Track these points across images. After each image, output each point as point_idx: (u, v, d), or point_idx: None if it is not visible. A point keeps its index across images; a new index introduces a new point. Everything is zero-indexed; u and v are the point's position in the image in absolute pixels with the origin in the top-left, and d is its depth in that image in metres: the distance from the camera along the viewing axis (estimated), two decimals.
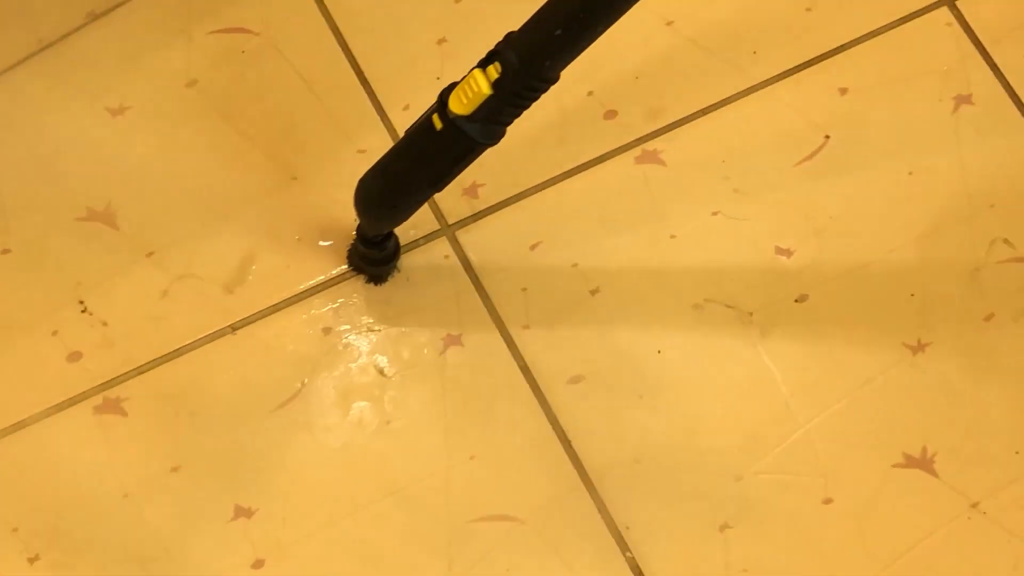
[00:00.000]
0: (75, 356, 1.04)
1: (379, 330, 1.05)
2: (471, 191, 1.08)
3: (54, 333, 1.04)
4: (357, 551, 1.03)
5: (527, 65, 0.79)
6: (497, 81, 0.80)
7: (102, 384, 1.03)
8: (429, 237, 1.08)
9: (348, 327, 1.05)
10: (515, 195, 1.09)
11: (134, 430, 1.02)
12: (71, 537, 1.01)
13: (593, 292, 1.06)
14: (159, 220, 1.08)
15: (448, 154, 0.87)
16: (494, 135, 0.84)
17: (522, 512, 1.02)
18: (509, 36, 0.80)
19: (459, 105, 0.82)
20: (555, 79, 0.80)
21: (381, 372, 1.04)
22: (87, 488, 1.02)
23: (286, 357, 1.04)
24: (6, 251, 1.06)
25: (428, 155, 0.88)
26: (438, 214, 1.08)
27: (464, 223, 1.08)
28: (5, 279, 1.04)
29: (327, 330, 1.05)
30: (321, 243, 1.07)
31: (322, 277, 1.09)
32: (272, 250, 1.04)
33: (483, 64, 0.80)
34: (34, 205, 1.10)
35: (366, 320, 1.05)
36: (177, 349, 1.04)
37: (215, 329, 1.05)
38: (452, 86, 0.82)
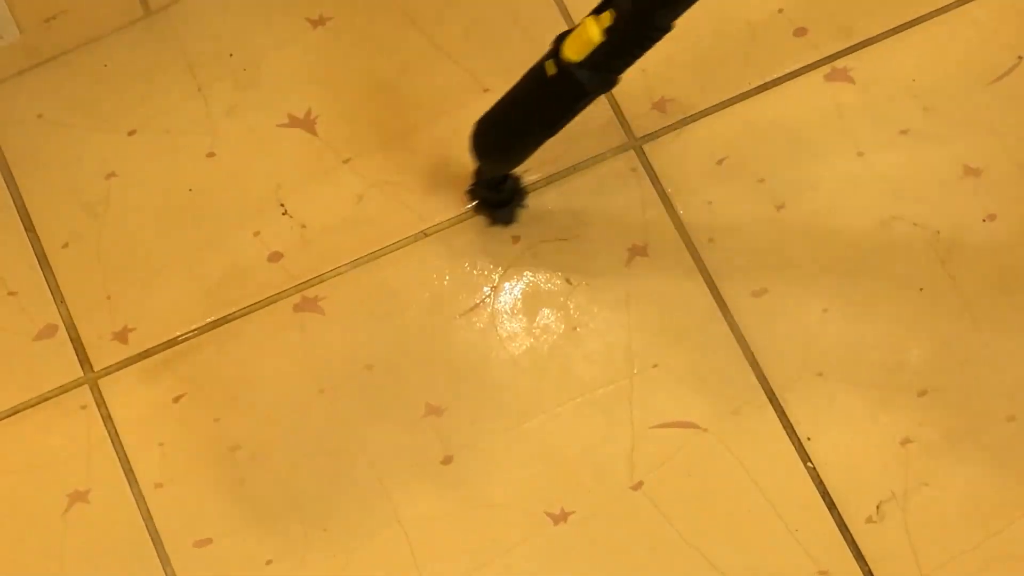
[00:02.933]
0: (276, 256, 1.06)
1: (566, 239, 1.07)
2: (660, 105, 1.09)
3: (256, 234, 1.07)
4: (542, 452, 1.05)
5: (639, 13, 0.77)
6: (609, 28, 0.78)
7: (301, 284, 1.06)
8: (617, 150, 1.09)
9: (536, 235, 1.06)
10: (703, 110, 1.10)
11: (331, 329, 1.05)
12: (268, 429, 1.03)
13: (779, 208, 1.06)
14: (356, 128, 1.12)
15: (559, 100, 0.87)
16: (606, 83, 0.83)
17: (704, 420, 1.03)
18: None
19: (572, 51, 0.81)
20: (668, 28, 0.78)
21: (567, 280, 1.06)
22: (284, 383, 1.04)
23: (476, 263, 1.06)
24: (211, 155, 1.09)
25: (540, 100, 0.88)
26: (626, 128, 1.09)
27: (652, 137, 1.09)
28: (211, 182, 1.08)
29: (516, 238, 1.06)
30: None
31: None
32: (467, 158, 1.06)
33: (597, 11, 0.79)
34: (238, 111, 1.13)
35: (554, 229, 1.06)
36: (372, 252, 1.07)
37: (408, 234, 1.07)
38: (567, 32, 0.81)
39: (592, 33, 0.78)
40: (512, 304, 1.04)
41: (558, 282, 1.05)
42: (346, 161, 1.07)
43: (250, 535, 1.00)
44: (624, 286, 1.05)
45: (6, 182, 1.07)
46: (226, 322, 1.04)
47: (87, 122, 1.09)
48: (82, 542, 1.00)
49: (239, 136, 1.08)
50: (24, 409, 1.02)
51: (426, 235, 1.06)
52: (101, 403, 1.02)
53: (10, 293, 1.04)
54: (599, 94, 0.84)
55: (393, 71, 1.11)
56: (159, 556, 0.99)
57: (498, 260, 1.05)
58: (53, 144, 1.08)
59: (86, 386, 1.03)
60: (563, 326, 1.04)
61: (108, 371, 1.03)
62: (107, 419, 1.01)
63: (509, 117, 0.92)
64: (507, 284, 1.05)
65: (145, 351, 1.04)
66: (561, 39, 0.81)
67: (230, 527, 1.00)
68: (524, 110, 0.90)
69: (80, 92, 1.10)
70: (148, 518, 0.99)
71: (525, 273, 1.05)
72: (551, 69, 0.82)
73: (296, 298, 1.04)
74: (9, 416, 1.02)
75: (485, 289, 1.05)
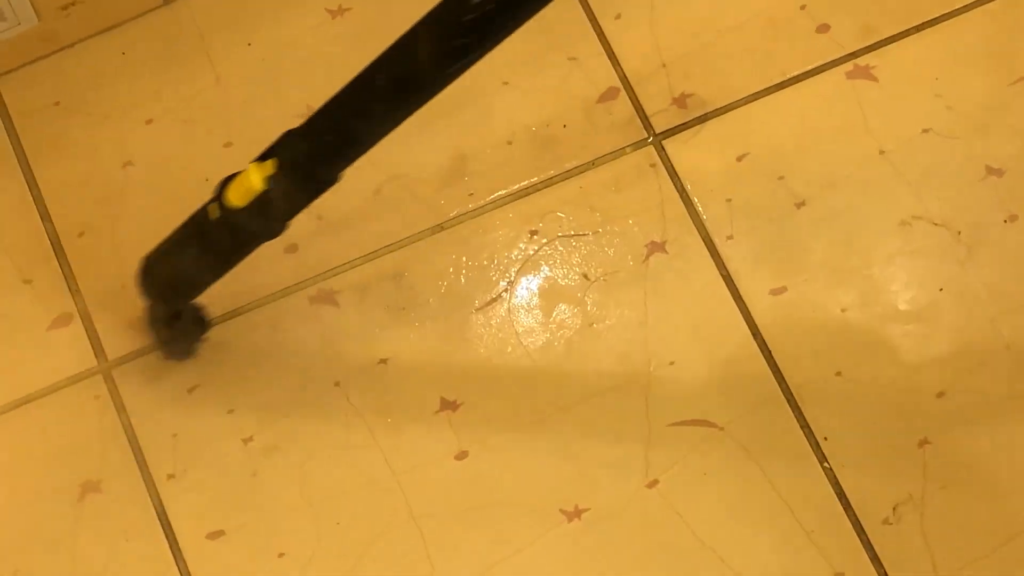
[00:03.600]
0: (292, 248, 1.06)
1: (585, 235, 1.06)
2: (680, 101, 1.08)
3: None
4: (557, 449, 1.05)
5: (299, 167, 0.77)
6: (271, 178, 0.77)
7: (317, 276, 1.06)
8: (636, 145, 1.08)
9: (554, 230, 1.05)
10: (724, 106, 1.09)
11: (346, 322, 1.07)
12: (282, 421, 1.03)
13: (799, 205, 1.06)
14: None
15: (225, 243, 0.85)
16: (271, 230, 0.82)
17: (721, 419, 1.02)
18: (288, 134, 0.78)
19: (235, 197, 0.79)
20: (333, 181, 0.78)
21: (585, 276, 1.05)
22: (299, 375, 1.04)
23: (492, 257, 1.06)
24: (228, 144, 1.09)
25: (206, 243, 0.86)
26: (646, 123, 1.08)
27: (671, 133, 1.08)
28: (228, 172, 1.07)
29: (533, 233, 1.06)
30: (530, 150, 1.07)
31: (535, 178, 1.10)
32: (482, 153, 1.05)
33: (260, 159, 0.78)
34: (255, 101, 1.13)
35: (572, 224, 1.06)
36: (387, 245, 1.06)
37: (425, 227, 1.06)
38: (232, 176, 0.80)
39: (254, 181, 0.77)
40: (529, 299, 1.04)
41: (575, 277, 1.04)
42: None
43: (262, 528, 1.00)
44: (642, 282, 1.04)
45: (23, 170, 1.07)
46: (241, 313, 1.04)
47: (104, 110, 1.08)
48: (94, 532, 0.99)
49: (255, 125, 1.07)
50: (38, 398, 1.02)
51: (443, 229, 1.05)
52: (115, 393, 1.01)
53: (25, 281, 1.04)
54: (266, 240, 0.82)
55: None
56: (171, 548, 0.99)
57: (515, 254, 1.04)
58: (70, 132, 1.08)
59: (100, 376, 1.02)
60: (579, 322, 1.03)
61: (123, 361, 1.02)
62: (120, 409, 1.01)
63: (177, 259, 0.90)
64: (524, 279, 1.04)
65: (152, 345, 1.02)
66: (226, 183, 0.79)
67: (242, 520, 0.99)
68: (191, 252, 0.88)
69: (98, 80, 1.09)
70: (161, 509, 0.99)
71: (543, 268, 1.04)
72: (214, 213, 0.81)
73: (312, 290, 1.04)
74: (23, 404, 1.01)
75: (502, 283, 1.04)
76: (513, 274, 1.04)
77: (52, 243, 1.06)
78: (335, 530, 0.99)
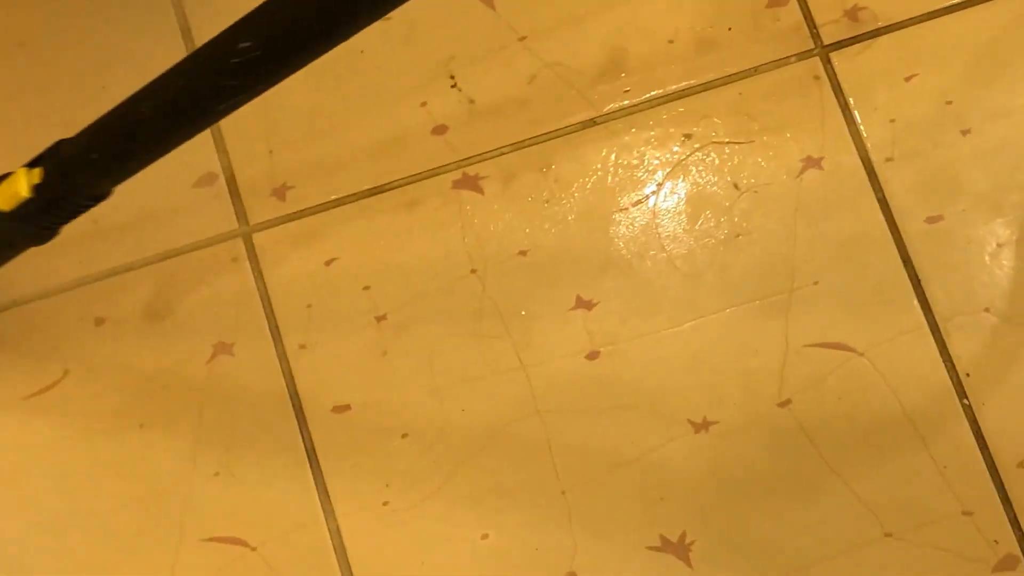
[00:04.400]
0: (440, 129, 1.04)
1: (739, 143, 1.03)
2: (851, 13, 1.05)
3: (423, 104, 1.04)
4: (690, 358, 1.03)
5: (66, 179, 0.75)
6: (38, 186, 0.75)
7: (463, 160, 1.04)
8: (802, 55, 1.04)
9: (708, 135, 1.02)
10: (896, 23, 1.04)
11: (488, 209, 1.03)
12: (416, 303, 1.01)
13: (964, 132, 1.02)
14: (535, 5, 1.08)
15: None
16: (38, 236, 0.79)
17: (861, 344, 1.00)
18: (59, 144, 0.75)
19: (2, 200, 0.77)
20: (104, 195, 0.76)
21: (735, 186, 1.02)
22: (437, 258, 1.02)
23: (643, 158, 1.03)
24: (387, 17, 1.06)
25: None
26: (814, 33, 1.04)
27: (840, 46, 1.04)
28: (383, 45, 1.05)
29: (687, 136, 1.03)
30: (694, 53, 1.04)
31: (694, 81, 1.08)
32: (642, 49, 1.02)
33: (29, 165, 0.75)
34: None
35: (727, 132, 1.02)
36: (538, 135, 1.04)
37: (577, 120, 1.04)
38: (3, 176, 0.76)
39: (20, 187, 0.75)
40: (675, 204, 1.01)
41: (725, 186, 1.01)
42: (522, 39, 1.04)
43: (388, 407, 0.99)
44: (793, 198, 1.01)
45: (179, 24, 1.04)
46: (384, 191, 1.02)
47: None
48: (222, 393, 0.99)
49: (417, 2, 1.04)
50: (177, 255, 1.01)
51: (595, 123, 1.03)
52: (253, 257, 1.00)
53: None
54: (34, 245, 0.80)
55: None
56: (296, 417, 0.98)
57: (666, 157, 1.02)
58: None
59: (240, 239, 1.01)
60: (725, 232, 1.01)
61: (263, 227, 1.01)
62: (258, 274, 1.00)
63: None
64: (672, 182, 1.02)
65: (301, 210, 1.02)
66: None
67: (369, 397, 0.98)
68: None
69: None
70: (290, 378, 0.98)
71: (692, 173, 1.02)
72: None
73: (457, 174, 1.02)
74: (164, 259, 1.01)
75: (650, 185, 1.01)
76: (662, 176, 1.02)
77: None
78: (459, 417, 0.98)
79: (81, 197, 0.77)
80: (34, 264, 1.00)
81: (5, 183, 0.78)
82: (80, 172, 0.76)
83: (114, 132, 0.74)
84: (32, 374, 0.99)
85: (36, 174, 0.76)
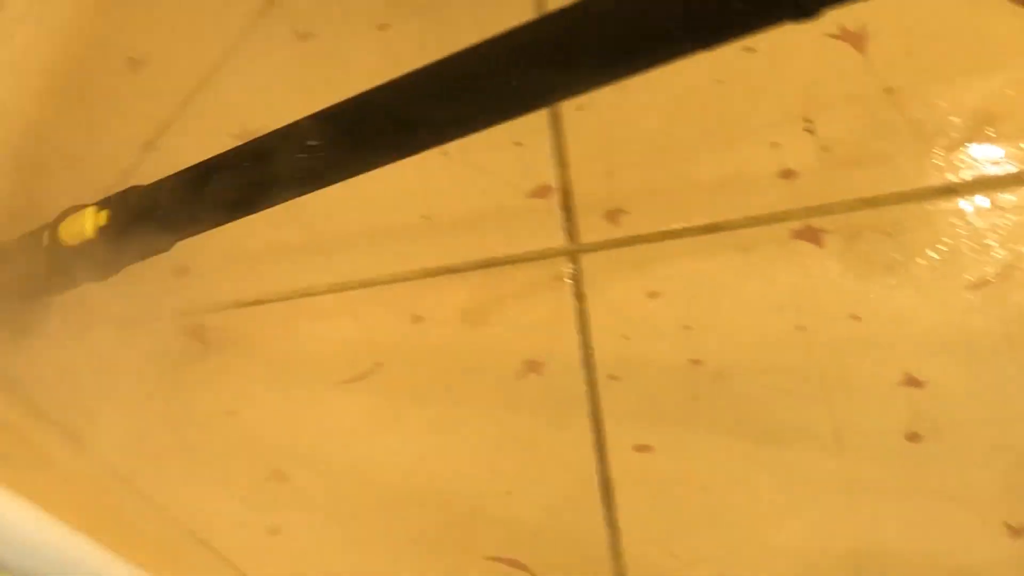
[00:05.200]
0: (788, 173, 0.99)
1: None
2: None
3: (773, 145, 0.99)
4: (1009, 450, 0.96)
5: (130, 228, 0.74)
6: (103, 229, 0.74)
7: (808, 209, 0.98)
8: None
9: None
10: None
11: (827, 265, 0.99)
12: (736, 352, 1.02)
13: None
14: (912, 54, 1.02)
15: (51, 273, 0.81)
16: (96, 276, 0.78)
17: None
18: (130, 190, 0.73)
19: (67, 234, 0.76)
20: (162, 250, 0.75)
21: None
22: (764, 309, 1.00)
23: (997, 236, 0.98)
24: (750, 49, 1.01)
25: (37, 266, 0.81)
26: None
27: None
28: (742, 77, 1.00)
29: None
30: None
31: None
32: (1010, 115, 0.94)
33: (99, 205, 0.74)
34: None
35: None
36: (890, 194, 0.98)
37: (932, 184, 0.97)
38: (71, 210, 0.75)
39: (87, 226, 0.75)
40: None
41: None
42: (888, 90, 0.97)
43: (690, 454, 0.95)
44: None
45: None
46: (720, 229, 0.98)
47: None
48: (525, 411, 0.96)
49: (783, 36, 0.98)
50: (502, 264, 0.98)
51: (952, 192, 0.95)
52: (578, 278, 0.97)
53: (516, 143, 0.99)
54: (91, 281, 0.79)
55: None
56: (596, 447, 0.96)
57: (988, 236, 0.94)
58: None
59: (567, 257, 0.97)
60: None
61: (592, 248, 0.98)
62: (580, 296, 0.97)
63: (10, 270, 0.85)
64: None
65: (633, 237, 0.99)
66: (63, 216, 0.76)
67: (674, 440, 0.95)
68: (15, 268, 0.83)
69: None
70: (595, 407, 0.95)
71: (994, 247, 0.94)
72: (45, 240, 0.77)
73: (798, 224, 0.97)
74: (485, 267, 0.98)
75: (1002, 266, 0.94)
76: (1018, 260, 0.94)
77: (551, 110, 1.01)
78: (765, 480, 0.95)
79: (142, 247, 0.78)
80: (353, 254, 0.99)
81: (72, 218, 0.78)
82: (144, 224, 0.76)
83: (186, 191, 0.75)
84: (348, 362, 0.98)
85: (103, 216, 0.77)
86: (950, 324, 0.95)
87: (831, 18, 0.99)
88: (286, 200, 0.71)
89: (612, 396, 0.96)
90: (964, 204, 0.97)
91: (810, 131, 0.98)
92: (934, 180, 0.98)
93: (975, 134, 0.97)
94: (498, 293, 0.97)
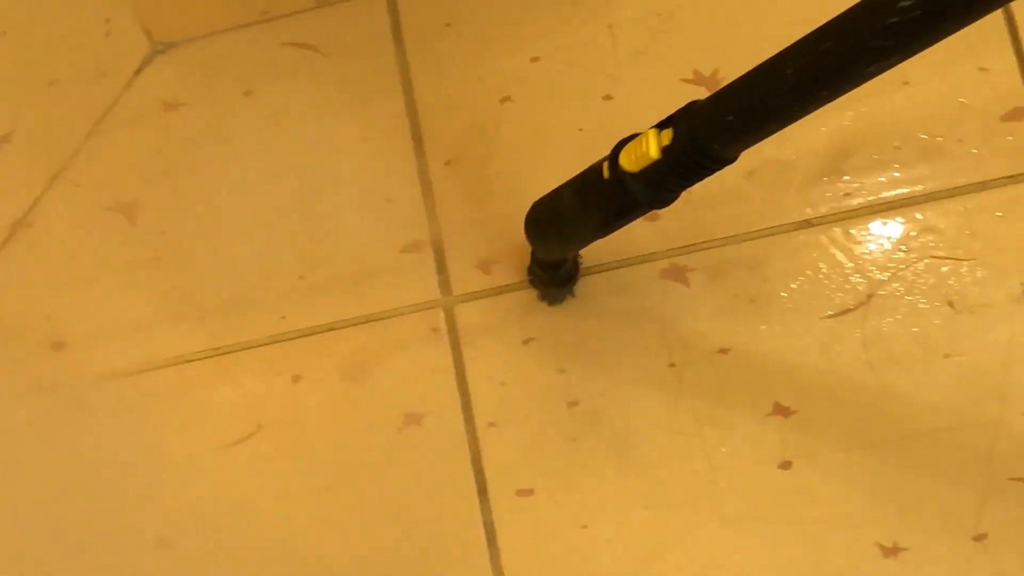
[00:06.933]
0: (653, 216, 1.02)
1: (958, 260, 1.00)
2: None
3: None
4: (886, 478, 1.01)
5: (697, 141, 0.72)
6: (667, 148, 0.73)
7: (673, 249, 1.02)
8: None
9: (927, 249, 0.99)
10: None
11: (692, 303, 1.02)
12: (611, 391, 1.05)
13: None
14: None
15: (611, 205, 0.81)
16: (660, 199, 0.77)
17: None
18: (691, 105, 0.73)
19: (628, 161, 0.76)
20: (728, 160, 0.73)
21: (950, 304, 0.99)
22: (636, 347, 1.02)
23: (856, 264, 1.01)
24: (608, 97, 1.05)
25: (593, 201, 0.82)
26: None
27: None
28: (603, 125, 1.04)
29: (903, 247, 1.00)
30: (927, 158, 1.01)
31: (918, 188, 1.05)
32: (866, 152, 0.99)
33: (659, 126, 0.73)
34: (645, 57, 1.09)
35: (947, 247, 1.00)
36: (751, 231, 1.01)
37: (792, 220, 1.01)
38: (630, 138, 0.75)
39: (650, 147, 0.74)
40: (885, 317, 0.99)
41: (940, 304, 0.98)
42: None
43: (572, 496, 0.98)
44: (1010, 323, 0.99)
45: (403, 87, 1.05)
46: (592, 273, 1.00)
47: (493, 40, 1.05)
48: (408, 464, 0.98)
49: (640, 83, 1.02)
50: (378, 320, 1.00)
51: (810, 224, 0.99)
52: (453, 329, 0.99)
53: (387, 200, 1.02)
54: (653, 208, 0.78)
55: None
56: (479, 495, 0.98)
57: (881, 267, 0.98)
58: (456, 57, 1.06)
59: (441, 309, 1.00)
60: (936, 351, 0.97)
61: (465, 299, 1.00)
62: (456, 347, 0.99)
63: (562, 210, 0.87)
64: (884, 294, 0.98)
65: (505, 286, 1.02)
66: (621, 145, 0.76)
67: (555, 483, 0.97)
68: (577, 208, 0.85)
69: (492, 7, 1.06)
70: (477, 455, 0.97)
71: (906, 287, 0.98)
72: (607, 173, 0.78)
73: (665, 263, 1.00)
74: (364, 323, 1.00)
75: (860, 294, 0.98)
76: (874, 287, 0.98)
77: (419, 166, 1.03)
78: (643, 515, 0.97)
79: (710, 160, 0.75)
80: (231, 317, 1.01)
81: (633, 144, 0.78)
82: (714, 135, 0.74)
83: (754, 95, 0.72)
84: (229, 426, 1.00)
85: (666, 135, 0.75)
86: (814, 352, 0.98)
87: (687, 62, 1.03)
88: (874, 77, 0.66)
89: (492, 443, 0.98)
90: (821, 236, 1.00)
91: None
92: (792, 215, 1.01)
93: (829, 169, 1.01)
94: (376, 348, 0.99)
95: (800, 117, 0.70)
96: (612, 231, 0.86)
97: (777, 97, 0.70)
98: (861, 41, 0.64)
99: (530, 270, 1.03)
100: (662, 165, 0.75)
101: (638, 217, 0.83)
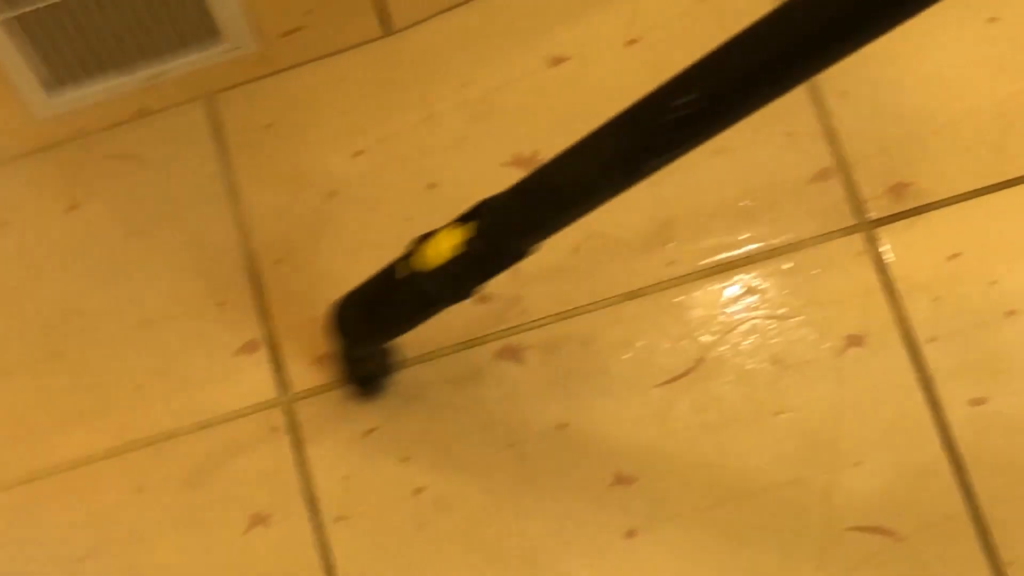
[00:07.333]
0: (484, 298, 1.04)
1: (782, 318, 1.05)
2: (896, 190, 1.06)
3: None
4: (729, 538, 1.03)
5: (495, 237, 0.75)
6: (463, 244, 0.76)
7: (505, 330, 1.04)
8: (846, 231, 1.06)
9: (751, 310, 1.02)
10: (941, 200, 1.07)
11: (528, 381, 1.04)
12: (454, 477, 1.08)
13: (1009, 314, 1.01)
14: None
15: (409, 303, 0.84)
16: (455, 296, 0.80)
17: (902, 528, 0.99)
18: (487, 201, 0.75)
19: (422, 260, 0.78)
20: (525, 254, 0.76)
21: (777, 361, 1.03)
22: (475, 432, 1.06)
23: (684, 331, 1.03)
24: (432, 186, 1.06)
25: (393, 300, 0.85)
26: (858, 209, 1.06)
27: (883, 222, 1.06)
28: (430, 214, 1.05)
29: (728, 310, 1.03)
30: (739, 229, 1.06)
31: (737, 252, 1.09)
32: (685, 221, 1.04)
33: (457, 222, 0.76)
34: (466, 144, 1.12)
35: (769, 306, 1.04)
36: (579, 306, 1.04)
37: (619, 292, 1.04)
38: (427, 235, 0.78)
39: (444, 246, 0.76)
40: (715, 379, 1.02)
41: (766, 362, 1.01)
42: None
43: None
44: (835, 376, 1.02)
45: (229, 189, 1.06)
46: (426, 360, 1.02)
47: (315, 137, 1.07)
48: (256, 566, 0.98)
49: (461, 167, 1.05)
50: (218, 423, 1.01)
51: (637, 295, 1.03)
52: (293, 427, 1.00)
53: (219, 304, 1.03)
54: (450, 304, 0.81)
55: None
56: None
57: (708, 331, 1.01)
58: (279, 156, 1.07)
59: (280, 408, 1.01)
60: (766, 408, 1.01)
61: (305, 395, 1.01)
62: (297, 445, 1.00)
63: (364, 310, 0.90)
64: (713, 357, 1.02)
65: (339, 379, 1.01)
66: (420, 240, 0.78)
67: (405, 571, 0.98)
68: (378, 306, 0.87)
69: (311, 106, 1.08)
70: (326, 551, 0.98)
71: (734, 348, 1.02)
72: (401, 271, 0.80)
73: (498, 344, 1.02)
74: (203, 428, 1.01)
75: (690, 360, 1.01)
76: (703, 351, 1.01)
77: (249, 267, 1.04)
78: None
79: (507, 256, 0.78)
80: (70, 434, 1.00)
81: (430, 241, 0.78)
82: (512, 230, 0.76)
83: (542, 192, 0.75)
84: (74, 542, 1.00)
85: (462, 232, 0.77)
86: (650, 420, 1.01)
87: (506, 147, 1.05)
88: (656, 171, 0.70)
89: (341, 536, 0.99)
90: (649, 306, 1.03)
91: None
92: (619, 287, 1.03)
93: (652, 239, 1.04)
94: (217, 452, 1.00)
95: (593, 208, 0.73)
96: (415, 326, 0.87)
97: (565, 194, 0.73)
98: (646, 137, 0.69)
99: (340, 366, 1.03)
100: (457, 263, 0.77)
101: (438, 312, 0.84)
